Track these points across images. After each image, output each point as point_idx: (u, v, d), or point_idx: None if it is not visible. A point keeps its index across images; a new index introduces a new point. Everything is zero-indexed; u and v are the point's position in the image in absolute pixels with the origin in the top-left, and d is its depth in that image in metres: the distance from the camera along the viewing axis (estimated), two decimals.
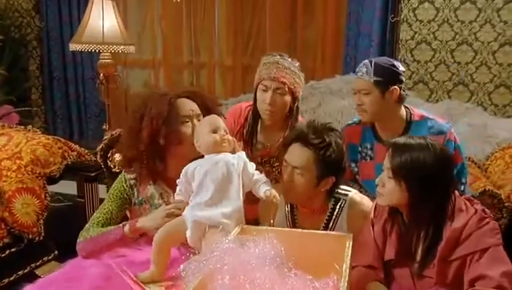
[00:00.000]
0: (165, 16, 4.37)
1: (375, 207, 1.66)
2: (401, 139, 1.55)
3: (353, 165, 2.14)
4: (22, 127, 2.69)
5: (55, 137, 2.59)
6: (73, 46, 3.17)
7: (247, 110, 2.23)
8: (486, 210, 1.52)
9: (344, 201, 1.74)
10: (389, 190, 1.50)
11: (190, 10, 4.30)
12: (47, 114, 4.84)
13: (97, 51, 3.19)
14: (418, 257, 1.53)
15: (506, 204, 2.18)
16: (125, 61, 4.51)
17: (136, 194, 1.78)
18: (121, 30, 3.22)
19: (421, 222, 1.51)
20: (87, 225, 1.75)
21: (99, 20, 3.12)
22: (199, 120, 1.75)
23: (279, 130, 2.14)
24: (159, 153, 1.73)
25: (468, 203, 1.53)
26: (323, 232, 1.69)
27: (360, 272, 1.56)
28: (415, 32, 3.44)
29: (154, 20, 4.43)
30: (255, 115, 2.16)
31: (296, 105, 2.12)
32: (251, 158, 1.86)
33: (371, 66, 1.93)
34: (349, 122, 2.23)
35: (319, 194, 1.71)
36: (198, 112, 1.77)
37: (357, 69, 2.01)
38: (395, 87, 1.95)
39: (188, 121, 1.73)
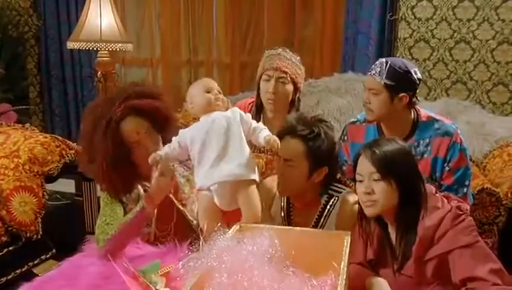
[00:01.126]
0: (163, 14, 4.36)
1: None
2: (368, 143, 1.57)
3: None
4: (20, 125, 2.68)
5: (53, 135, 2.59)
6: (71, 45, 3.17)
7: (250, 106, 2.29)
8: (463, 206, 1.51)
9: (337, 199, 1.75)
10: (381, 193, 1.47)
11: (188, 8, 4.29)
12: (45, 112, 4.83)
13: (95, 49, 3.18)
14: (396, 256, 1.54)
15: (504, 202, 2.19)
16: (123, 59, 4.50)
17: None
18: (119, 28, 3.22)
19: (408, 219, 1.50)
20: (98, 232, 1.67)
21: (97, 19, 3.12)
22: (149, 136, 1.70)
23: (281, 122, 2.11)
24: (116, 180, 1.68)
25: (445, 200, 1.53)
26: (321, 230, 1.69)
27: (355, 269, 1.57)
28: (413, 31, 3.44)
29: (152, 18, 4.41)
30: (258, 107, 2.23)
31: (297, 96, 2.19)
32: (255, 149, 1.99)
33: (385, 68, 1.86)
34: (353, 119, 2.20)
35: (313, 187, 1.73)
36: (145, 129, 1.69)
37: (372, 67, 1.94)
38: (405, 94, 1.88)
39: (136, 146, 1.68)
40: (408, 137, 1.95)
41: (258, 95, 2.21)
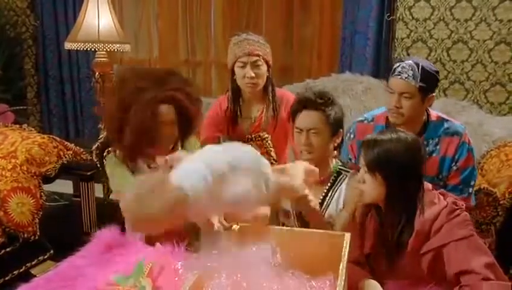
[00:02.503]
0: (161, 15, 4.36)
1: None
2: (372, 135, 1.63)
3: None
4: (17, 126, 2.67)
5: (51, 136, 2.58)
6: (68, 45, 3.16)
7: (227, 98, 2.40)
8: (458, 202, 1.54)
9: (346, 175, 1.89)
10: (367, 185, 1.56)
11: (186, 9, 4.29)
12: (42, 113, 4.82)
13: (93, 49, 3.18)
14: (393, 249, 1.56)
15: (501, 202, 2.19)
16: (121, 60, 4.50)
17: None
18: (117, 29, 3.21)
19: (396, 213, 1.54)
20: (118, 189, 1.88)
21: (94, 19, 3.11)
22: (171, 124, 1.87)
23: (259, 102, 2.37)
24: (142, 148, 1.87)
25: (441, 196, 1.56)
26: (320, 231, 1.69)
27: (350, 268, 1.57)
28: (411, 31, 3.44)
29: (150, 18, 4.41)
30: (235, 93, 2.35)
31: (270, 73, 2.32)
32: (238, 136, 2.24)
33: (418, 70, 1.88)
34: (360, 118, 2.21)
35: (330, 155, 1.90)
36: (172, 118, 1.88)
37: (398, 69, 1.92)
38: (433, 95, 1.96)
39: (160, 127, 1.85)
40: (418, 136, 1.93)
41: (233, 80, 2.32)
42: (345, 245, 1.38)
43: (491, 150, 2.64)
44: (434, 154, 2.00)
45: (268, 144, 2.29)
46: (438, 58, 3.41)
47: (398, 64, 1.95)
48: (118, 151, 1.93)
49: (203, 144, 2.37)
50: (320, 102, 1.82)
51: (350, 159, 2.19)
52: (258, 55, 2.25)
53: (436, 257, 1.48)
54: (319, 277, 1.31)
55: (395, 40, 3.49)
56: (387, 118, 2.09)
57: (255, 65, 2.25)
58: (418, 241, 1.49)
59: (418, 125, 2.02)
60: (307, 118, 1.83)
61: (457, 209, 1.50)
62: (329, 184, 1.89)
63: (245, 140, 2.29)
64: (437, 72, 1.95)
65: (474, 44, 3.32)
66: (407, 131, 1.91)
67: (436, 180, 1.97)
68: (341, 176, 1.89)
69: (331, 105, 1.84)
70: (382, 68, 3.53)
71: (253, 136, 2.32)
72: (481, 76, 3.36)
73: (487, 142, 2.74)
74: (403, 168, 1.53)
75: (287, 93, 2.46)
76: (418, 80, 1.88)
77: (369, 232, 1.62)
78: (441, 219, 1.48)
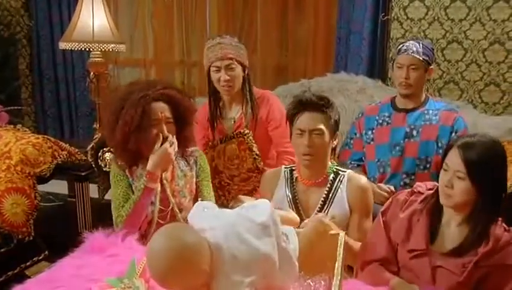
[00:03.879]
0: (156, 15, 4.35)
1: (391, 202, 1.68)
2: (466, 138, 1.52)
3: (369, 133, 2.48)
4: (12, 126, 2.66)
5: (45, 136, 2.57)
6: (63, 45, 3.15)
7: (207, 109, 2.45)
8: None
9: (343, 175, 1.90)
10: (460, 191, 1.46)
11: (181, 9, 4.28)
12: (37, 113, 4.80)
13: (87, 49, 3.17)
14: (446, 250, 1.52)
15: None
16: (116, 60, 4.49)
17: (128, 176, 1.94)
18: (112, 29, 3.20)
19: (482, 220, 1.49)
20: (115, 216, 1.91)
21: (89, 19, 3.10)
22: (168, 122, 1.91)
23: (238, 103, 2.41)
24: (131, 149, 1.88)
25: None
26: (316, 230, 1.69)
27: (376, 268, 1.59)
28: (406, 31, 3.45)
29: (145, 18, 4.40)
30: (214, 96, 2.41)
31: (246, 73, 2.35)
32: (221, 137, 2.34)
33: (420, 46, 2.31)
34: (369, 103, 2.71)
35: (328, 158, 1.90)
36: (168, 115, 1.91)
37: (404, 48, 2.34)
38: (432, 67, 2.39)
39: (156, 124, 1.88)
40: (420, 106, 2.39)
41: (210, 83, 2.36)
42: (339, 244, 1.38)
43: None
44: (434, 123, 2.35)
45: (250, 139, 2.31)
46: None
47: (402, 44, 2.38)
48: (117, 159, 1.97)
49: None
50: (322, 103, 1.83)
51: (355, 134, 2.55)
52: (231, 58, 2.27)
53: (486, 274, 1.46)
54: (315, 276, 1.32)
55: (390, 40, 3.50)
56: (391, 98, 2.50)
57: (228, 68, 2.27)
58: (488, 255, 1.46)
59: (420, 97, 2.42)
60: (310, 120, 1.82)
61: None
62: (328, 185, 1.88)
63: (227, 138, 2.35)
64: (433, 48, 2.41)
65: (469, 44, 3.33)
66: (411, 101, 2.40)
67: (436, 148, 2.33)
68: (339, 176, 1.89)
69: (331, 107, 1.85)
70: (377, 68, 3.54)
71: (234, 133, 2.35)
72: (475, 76, 3.37)
73: None
74: (497, 173, 1.48)
75: (267, 93, 2.49)
76: (421, 54, 2.30)
77: (418, 229, 1.57)
78: (505, 240, 1.46)
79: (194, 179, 2.05)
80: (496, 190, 1.49)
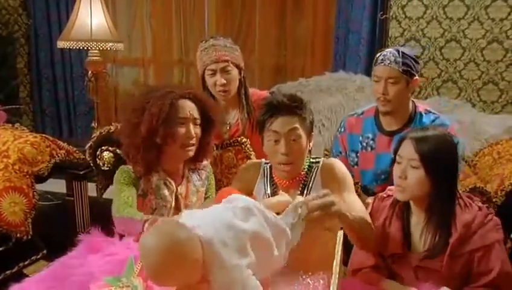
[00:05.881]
0: (154, 14, 4.35)
1: (372, 206, 1.69)
2: (418, 130, 1.55)
3: (353, 155, 2.21)
4: (10, 125, 2.65)
5: (43, 135, 2.56)
6: (61, 44, 3.15)
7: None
8: (487, 207, 1.55)
9: (317, 167, 1.76)
10: (414, 181, 1.48)
11: (180, 8, 4.29)
12: (35, 112, 4.80)
13: (85, 48, 3.16)
14: (422, 249, 1.54)
15: (493, 200, 2.20)
16: (114, 59, 4.48)
17: (138, 185, 1.80)
18: (110, 27, 3.20)
19: (439, 212, 1.51)
20: (119, 203, 1.73)
21: (87, 18, 3.10)
22: (195, 124, 1.79)
23: (234, 107, 2.29)
24: (154, 147, 1.75)
25: (469, 199, 1.56)
26: (314, 229, 1.69)
27: (368, 272, 1.59)
28: (404, 30, 3.45)
29: (143, 18, 4.40)
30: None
31: (242, 76, 2.24)
32: (217, 143, 2.14)
33: (399, 55, 1.98)
34: (350, 113, 2.29)
35: (304, 160, 1.74)
36: (196, 115, 1.79)
37: (380, 58, 2.03)
38: (417, 77, 2.05)
39: (183, 123, 1.75)
40: (406, 126, 2.07)
41: (205, 88, 2.24)
42: (338, 242, 1.38)
43: (484, 148, 2.64)
44: None
45: (248, 148, 2.22)
46: (431, 57, 3.43)
47: (379, 53, 2.05)
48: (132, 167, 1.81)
49: None
50: (295, 105, 1.65)
51: (340, 153, 2.27)
52: (227, 61, 2.16)
53: (468, 260, 1.47)
54: (314, 273, 1.32)
55: (389, 39, 3.50)
56: (375, 111, 2.17)
57: (224, 71, 2.16)
58: (459, 244, 1.47)
59: (405, 114, 2.09)
60: (284, 124, 1.63)
61: (490, 213, 1.51)
62: (304, 179, 1.75)
63: (223, 145, 2.24)
64: (415, 56, 2.04)
65: (467, 43, 3.33)
66: (395, 120, 2.09)
67: None
68: (313, 168, 1.76)
69: (305, 107, 1.68)
70: None
71: (231, 141, 2.25)
72: (474, 74, 3.37)
73: (480, 140, 2.75)
74: (449, 165, 1.50)
75: (263, 94, 2.37)
76: (401, 64, 1.98)
77: (392, 234, 1.58)
78: (478, 222, 1.48)
79: (204, 195, 1.96)
80: (448, 177, 1.50)
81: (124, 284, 1.37)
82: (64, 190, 2.74)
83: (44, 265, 2.24)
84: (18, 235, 2.26)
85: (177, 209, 1.81)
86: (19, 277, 1.85)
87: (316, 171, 1.75)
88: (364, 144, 2.19)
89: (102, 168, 2.27)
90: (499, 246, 1.47)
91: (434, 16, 3.37)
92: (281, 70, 4.08)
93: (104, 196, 2.63)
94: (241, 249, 1.19)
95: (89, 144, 2.28)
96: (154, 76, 4.48)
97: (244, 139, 2.23)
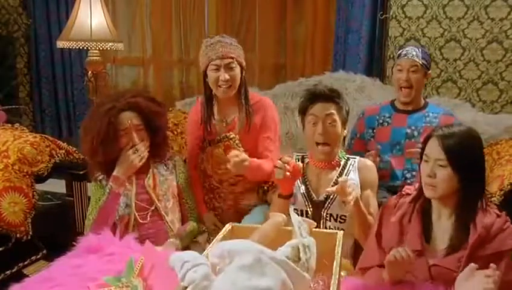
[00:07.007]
0: (154, 13, 4.34)
1: (382, 211, 1.70)
2: (443, 128, 1.56)
3: (370, 131, 2.53)
4: (9, 125, 2.65)
5: (43, 135, 2.56)
6: (61, 44, 3.14)
7: (200, 102, 2.39)
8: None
9: (354, 161, 2.02)
10: (443, 179, 1.49)
11: (179, 7, 4.28)
12: (35, 112, 4.79)
13: (85, 48, 3.16)
14: (442, 246, 1.53)
15: (493, 199, 2.20)
16: (114, 58, 4.48)
17: (106, 185, 2.00)
18: (110, 27, 3.20)
19: (468, 210, 1.51)
20: (86, 222, 2.03)
21: (87, 17, 3.10)
22: (138, 130, 1.98)
23: (233, 105, 2.31)
24: (100, 159, 1.98)
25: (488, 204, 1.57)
26: (314, 229, 1.69)
27: (376, 270, 1.59)
28: (404, 29, 3.45)
29: (143, 17, 4.39)
30: (208, 97, 2.32)
31: (243, 75, 2.28)
32: (210, 139, 2.28)
33: (419, 51, 2.41)
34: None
35: (340, 146, 2.01)
36: (137, 122, 1.98)
37: (404, 52, 2.43)
38: (430, 72, 2.48)
39: (126, 133, 1.96)
40: (421, 109, 2.46)
41: (206, 83, 2.27)
42: (337, 243, 1.38)
43: (484, 148, 2.64)
44: (434, 125, 2.34)
45: (236, 143, 2.25)
46: (431, 57, 3.42)
47: (402, 50, 2.47)
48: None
49: (190, 152, 2.42)
50: (333, 94, 1.94)
51: (356, 135, 2.59)
52: (232, 58, 2.21)
53: (484, 263, 1.44)
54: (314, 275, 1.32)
55: (388, 39, 3.50)
56: (391, 101, 2.56)
57: (228, 68, 2.20)
58: (478, 245, 1.47)
59: (419, 102, 2.48)
60: (323, 108, 1.91)
61: (508, 221, 1.52)
62: (341, 168, 1.99)
63: (214, 141, 2.30)
64: (429, 54, 2.58)
65: (467, 42, 3.33)
66: (412, 105, 2.44)
67: None
68: (350, 161, 2.01)
69: (342, 98, 1.96)
70: (375, 66, 3.54)
71: (221, 136, 2.29)
72: (473, 74, 3.37)
73: None
74: (476, 160, 1.51)
75: (265, 101, 2.39)
76: (421, 58, 2.39)
77: (412, 230, 1.58)
78: (497, 227, 1.48)
79: (175, 183, 2.13)
80: (476, 176, 1.51)
81: (123, 284, 1.38)
82: (63, 190, 2.75)
83: (44, 265, 2.25)
84: (18, 235, 2.26)
85: (145, 194, 2.02)
86: (19, 276, 1.85)
87: (353, 164, 2.01)
88: (381, 121, 2.51)
89: None
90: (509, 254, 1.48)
91: (434, 16, 3.36)
92: (281, 70, 4.08)
93: None
94: None
95: None
96: (154, 76, 4.48)
97: (233, 135, 2.27)
